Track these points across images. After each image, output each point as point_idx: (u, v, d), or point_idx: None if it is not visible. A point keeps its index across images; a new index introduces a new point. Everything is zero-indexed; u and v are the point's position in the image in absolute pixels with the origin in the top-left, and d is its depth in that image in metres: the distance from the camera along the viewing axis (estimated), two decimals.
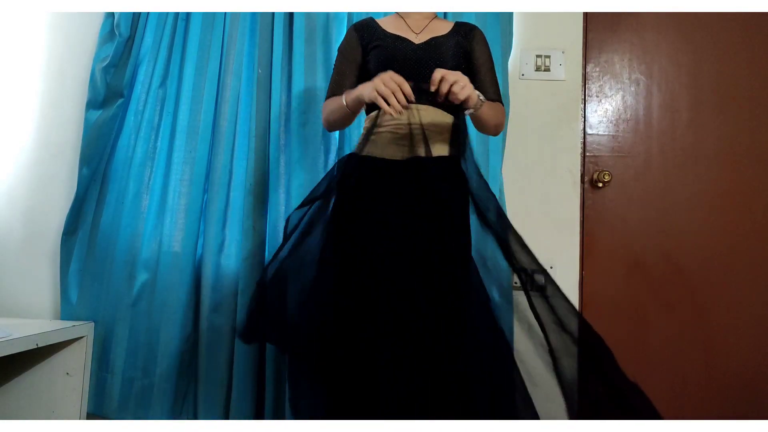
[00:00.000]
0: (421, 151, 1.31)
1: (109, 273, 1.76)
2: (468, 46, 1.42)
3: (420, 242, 1.26)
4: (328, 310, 1.27)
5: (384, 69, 1.33)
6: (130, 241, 1.76)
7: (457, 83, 1.18)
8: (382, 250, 1.25)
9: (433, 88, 1.19)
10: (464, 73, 1.40)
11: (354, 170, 1.35)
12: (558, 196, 1.84)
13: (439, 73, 1.18)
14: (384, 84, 1.17)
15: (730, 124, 1.93)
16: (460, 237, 1.33)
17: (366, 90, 1.22)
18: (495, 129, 1.40)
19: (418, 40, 1.39)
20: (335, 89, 1.41)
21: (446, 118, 1.36)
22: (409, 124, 1.31)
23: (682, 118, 1.95)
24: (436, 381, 1.21)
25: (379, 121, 1.35)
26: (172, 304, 1.72)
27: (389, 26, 1.43)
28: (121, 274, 1.75)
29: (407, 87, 1.18)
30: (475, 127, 1.39)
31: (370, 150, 1.35)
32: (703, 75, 1.96)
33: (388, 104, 1.16)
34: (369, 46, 1.40)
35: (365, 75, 1.40)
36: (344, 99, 1.31)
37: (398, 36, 1.39)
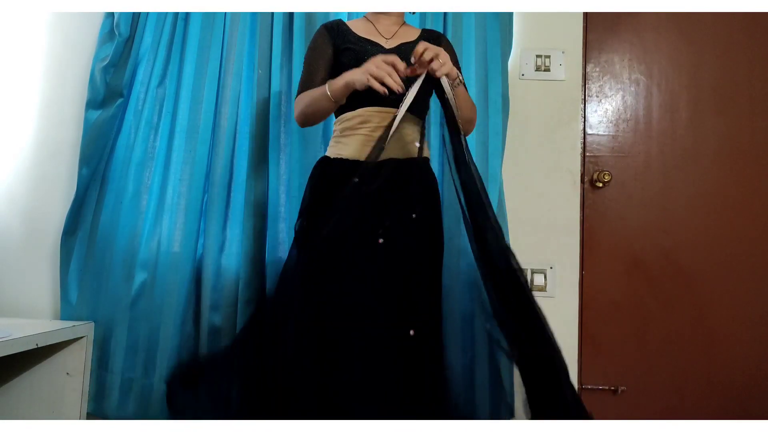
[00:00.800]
0: (396, 153, 1.32)
1: (108, 273, 1.76)
2: None
3: (393, 244, 1.26)
4: (303, 315, 1.27)
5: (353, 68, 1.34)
6: (130, 240, 1.76)
7: (439, 57, 1.20)
8: (354, 253, 1.26)
9: (414, 60, 1.21)
10: (431, 80, 1.42)
11: (326, 173, 1.37)
12: (558, 196, 1.84)
13: (422, 46, 1.20)
14: (377, 67, 1.18)
15: (730, 124, 1.93)
16: (434, 238, 1.35)
17: (357, 75, 1.22)
18: (468, 124, 1.40)
19: (388, 45, 1.41)
20: (308, 83, 1.41)
21: (416, 123, 1.38)
22: (383, 126, 1.32)
23: (682, 118, 1.95)
24: (413, 383, 1.21)
25: (351, 123, 1.36)
26: (171, 304, 1.72)
27: (360, 30, 1.44)
28: (121, 273, 1.75)
29: (401, 65, 1.19)
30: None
31: (342, 152, 1.36)
32: (703, 75, 1.96)
33: (384, 85, 1.17)
34: (341, 47, 1.40)
35: (336, 75, 1.40)
36: (327, 88, 1.29)
37: (369, 40, 1.40)
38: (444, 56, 1.21)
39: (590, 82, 1.97)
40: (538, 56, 1.88)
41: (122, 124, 1.83)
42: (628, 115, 1.96)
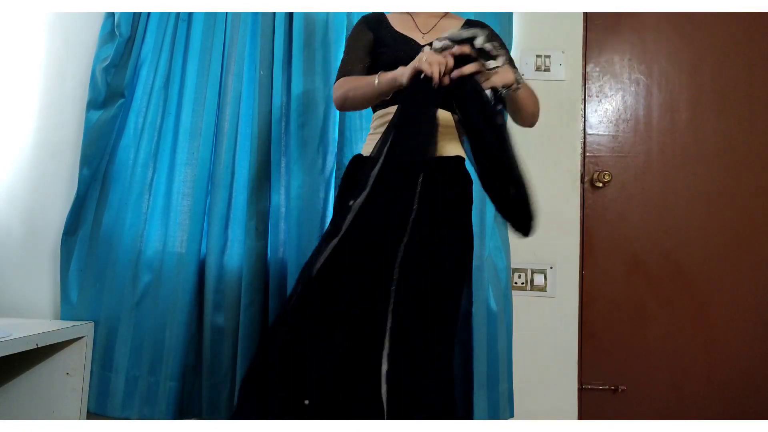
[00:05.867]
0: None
1: (111, 273, 1.76)
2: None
3: (417, 244, 1.25)
4: (320, 317, 1.27)
5: (389, 70, 1.32)
6: (134, 241, 1.76)
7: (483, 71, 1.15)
8: (378, 252, 1.24)
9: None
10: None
11: (356, 171, 1.35)
12: (558, 196, 1.84)
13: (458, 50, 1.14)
14: (428, 62, 1.14)
15: (730, 124, 1.94)
16: (460, 240, 1.31)
17: (406, 69, 1.19)
18: (531, 118, 1.36)
19: (424, 40, 1.36)
20: (347, 68, 1.39)
21: (449, 118, 1.34)
22: None
23: (682, 118, 1.95)
24: (428, 381, 1.21)
25: (383, 120, 1.34)
26: (176, 304, 1.72)
27: (398, 24, 1.41)
28: (125, 274, 1.76)
29: (451, 61, 1.15)
30: (510, 115, 1.35)
31: (371, 149, 1.34)
32: (703, 75, 1.96)
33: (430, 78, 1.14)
34: (379, 39, 1.38)
35: (374, 67, 1.38)
36: (377, 78, 1.26)
37: (404, 36, 1.37)
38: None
39: (590, 82, 1.97)
40: (538, 56, 1.88)
41: (124, 125, 1.83)
42: (628, 115, 1.96)
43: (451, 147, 1.34)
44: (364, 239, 1.24)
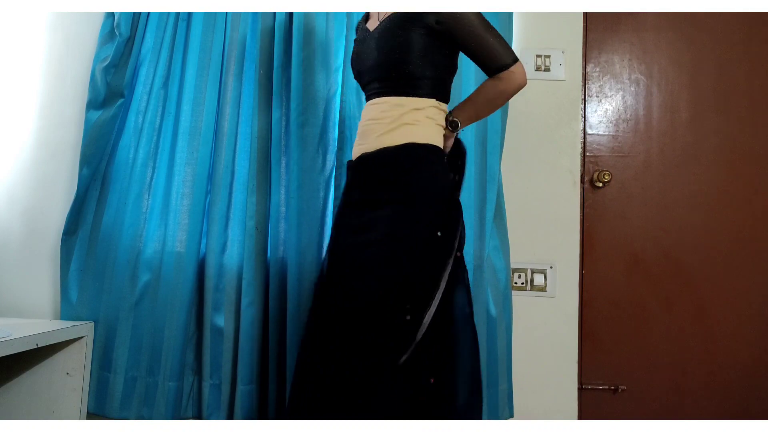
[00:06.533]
0: (366, 148, 1.30)
1: (111, 273, 1.76)
2: (437, 33, 1.25)
3: (370, 239, 1.23)
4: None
5: (354, 62, 1.40)
6: (133, 241, 1.76)
7: None
8: (339, 262, 1.29)
9: None
10: (418, 53, 1.27)
11: (345, 174, 1.45)
12: (558, 196, 1.84)
13: None
14: None
15: (730, 124, 1.94)
16: (413, 229, 1.22)
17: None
18: (501, 99, 1.35)
19: (375, 27, 1.35)
20: None
21: (404, 104, 1.26)
22: (375, 119, 1.30)
23: (682, 118, 1.95)
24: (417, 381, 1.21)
25: (359, 121, 1.40)
26: (175, 304, 1.72)
27: (368, 20, 1.44)
28: (124, 273, 1.75)
29: None
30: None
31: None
32: (703, 75, 1.96)
33: None
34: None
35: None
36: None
37: (365, 27, 1.41)
38: None
39: (590, 82, 1.97)
40: (538, 56, 1.88)
41: (124, 125, 1.83)
42: (628, 115, 1.96)
43: (405, 133, 1.26)
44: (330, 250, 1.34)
